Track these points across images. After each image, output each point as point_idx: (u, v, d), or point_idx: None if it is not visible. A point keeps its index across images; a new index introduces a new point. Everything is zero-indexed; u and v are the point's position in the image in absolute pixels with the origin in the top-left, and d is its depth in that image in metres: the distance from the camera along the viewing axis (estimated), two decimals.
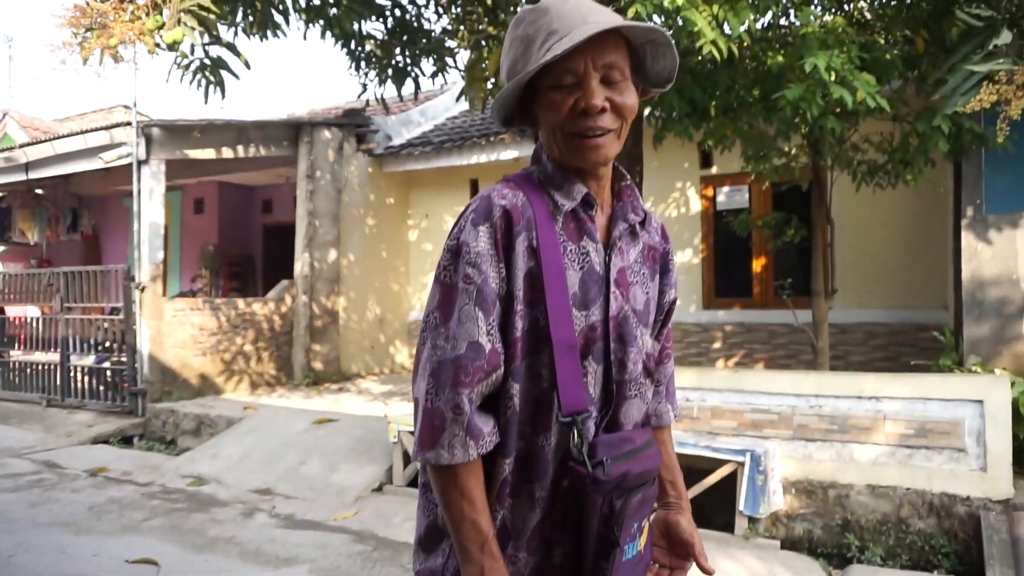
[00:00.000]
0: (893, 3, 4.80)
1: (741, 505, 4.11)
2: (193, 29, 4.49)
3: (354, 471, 5.34)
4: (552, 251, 1.14)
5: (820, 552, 4.35)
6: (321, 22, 6.15)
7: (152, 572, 3.63)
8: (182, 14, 4.30)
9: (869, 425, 4.32)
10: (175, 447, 7.06)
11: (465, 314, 1.12)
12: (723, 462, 4.26)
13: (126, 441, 7.25)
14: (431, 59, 6.81)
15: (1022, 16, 2.92)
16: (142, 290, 7.44)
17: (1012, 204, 5.43)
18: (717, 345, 8.46)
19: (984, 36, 2.99)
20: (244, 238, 12.68)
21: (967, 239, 5.39)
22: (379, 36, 6.70)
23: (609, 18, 1.14)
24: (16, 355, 8.88)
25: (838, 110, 4.22)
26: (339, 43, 6.51)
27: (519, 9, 1.23)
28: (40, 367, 8.51)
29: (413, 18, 6.76)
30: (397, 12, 6.68)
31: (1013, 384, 4.44)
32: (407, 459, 5.15)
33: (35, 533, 4.24)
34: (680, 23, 3.87)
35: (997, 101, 2.84)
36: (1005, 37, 2.87)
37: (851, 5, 5.25)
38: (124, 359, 7.69)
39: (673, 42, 1.17)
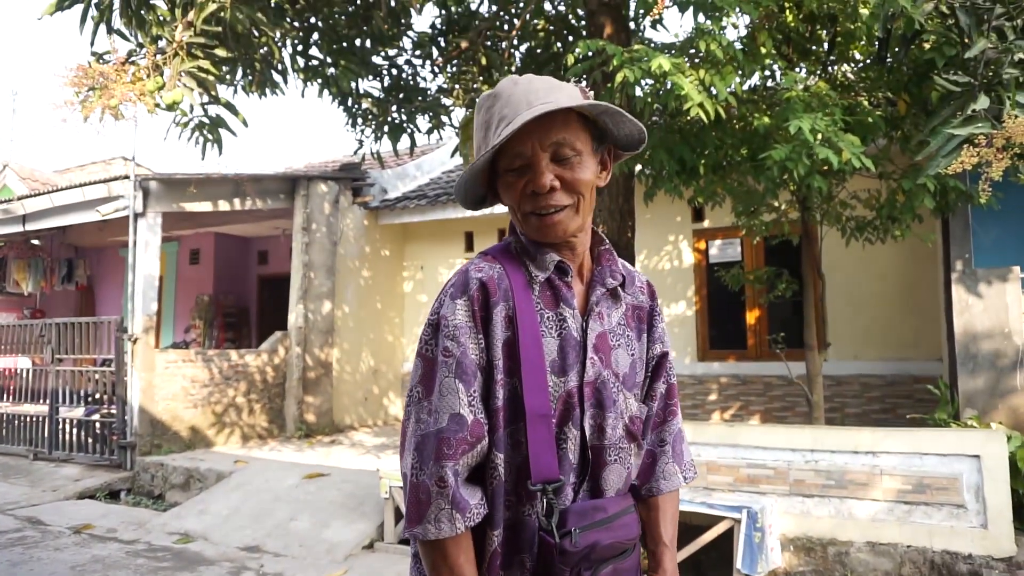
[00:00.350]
0: (874, 67, 4.94)
1: (738, 563, 4.03)
2: (192, 90, 4.59)
3: (345, 527, 5.24)
4: (528, 320, 1.16)
5: None
6: (319, 81, 6.30)
7: None
8: (182, 75, 4.40)
9: (866, 480, 4.28)
10: (163, 502, 6.93)
11: (446, 387, 1.13)
12: (719, 519, 4.20)
13: (113, 496, 7.11)
14: (427, 116, 6.95)
15: (998, 82, 3.02)
16: (134, 342, 7.41)
17: (1001, 258, 5.49)
18: (712, 397, 8.43)
19: (963, 100, 3.08)
20: (239, 289, 12.70)
21: (957, 293, 5.43)
22: (376, 94, 6.85)
23: (558, 97, 1.17)
24: (4, 407, 8.77)
25: (825, 168, 4.31)
26: (336, 101, 6.65)
27: (482, 95, 1.29)
28: (28, 419, 8.40)
29: (409, 77, 6.93)
30: (394, 72, 6.86)
31: (1010, 438, 4.42)
32: (399, 515, 5.07)
33: None
34: (668, 86, 3.98)
35: (978, 163, 2.91)
36: (983, 102, 2.96)
37: (834, 68, 5.41)
38: (114, 411, 7.60)
39: (624, 111, 1.21)
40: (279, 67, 6.18)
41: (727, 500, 4.36)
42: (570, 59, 4.46)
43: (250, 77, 6.09)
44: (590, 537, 1.12)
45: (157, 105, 4.35)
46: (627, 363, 1.26)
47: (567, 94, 1.19)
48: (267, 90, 6.18)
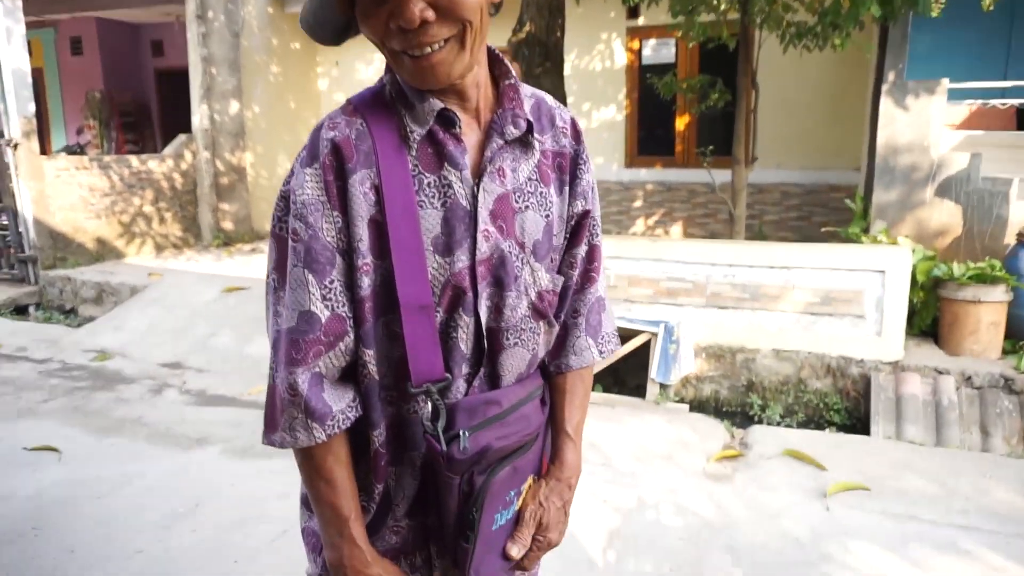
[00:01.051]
0: None
1: (653, 373, 4.25)
2: None
3: (267, 342, 5.21)
4: (399, 189, 0.94)
5: (724, 411, 4.62)
6: None
7: (53, 459, 3.49)
8: None
9: (779, 293, 4.46)
10: (75, 316, 6.70)
11: (295, 279, 0.94)
12: (638, 332, 4.34)
13: (21, 311, 6.82)
14: None
15: None
16: (15, 148, 6.69)
17: (932, 70, 5.42)
18: (638, 204, 8.49)
19: None
20: (135, 84, 11.52)
21: (885, 105, 5.38)
22: None
23: None
24: None
25: None
26: None
27: None
28: None
29: None
30: None
31: (913, 251, 4.63)
32: None
33: None
34: None
35: None
36: None
37: None
38: (6, 223, 7.06)
39: None
40: None
41: (646, 314, 4.49)
42: None
43: None
44: (481, 440, 0.98)
45: None
46: (539, 227, 1.05)
47: None
48: None
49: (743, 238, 5.25)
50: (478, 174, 0.99)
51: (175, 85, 10.99)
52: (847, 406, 4.34)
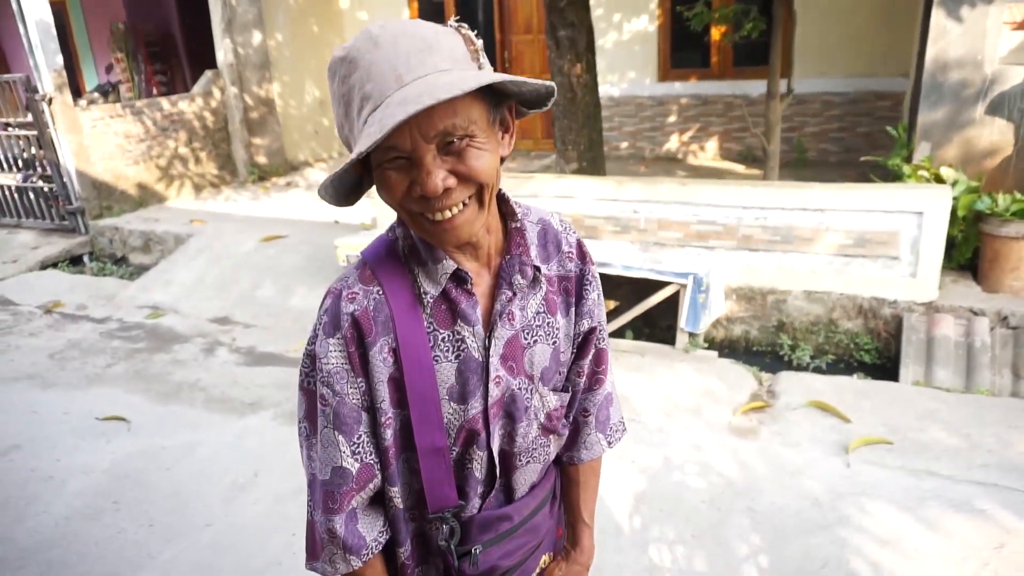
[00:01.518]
0: None
1: (682, 323, 4.31)
2: None
3: (308, 294, 5.41)
4: (416, 349, 1.01)
5: (755, 351, 4.68)
6: None
7: (123, 429, 3.79)
8: None
9: (811, 236, 4.40)
10: (126, 265, 7.00)
11: (325, 438, 1.04)
12: (667, 283, 4.37)
13: (75, 261, 7.15)
14: None
15: None
16: (50, 102, 6.79)
17: None
18: (671, 120, 8.25)
19: None
20: (157, 13, 11.32)
21: (937, 17, 5.03)
22: None
23: (436, 63, 0.86)
24: None
25: None
26: None
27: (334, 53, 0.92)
28: None
29: None
30: None
31: (956, 183, 4.47)
32: None
33: (2, 390, 4.32)
34: None
35: None
36: None
37: None
38: (51, 174, 7.27)
39: (526, 79, 0.92)
40: None
41: (674, 264, 4.48)
42: None
43: None
44: (491, 556, 1.11)
45: None
46: (546, 356, 1.12)
47: (447, 56, 0.88)
48: None
49: (776, 175, 5.11)
50: (489, 324, 1.06)
51: (195, 12, 10.77)
52: (878, 346, 4.36)
